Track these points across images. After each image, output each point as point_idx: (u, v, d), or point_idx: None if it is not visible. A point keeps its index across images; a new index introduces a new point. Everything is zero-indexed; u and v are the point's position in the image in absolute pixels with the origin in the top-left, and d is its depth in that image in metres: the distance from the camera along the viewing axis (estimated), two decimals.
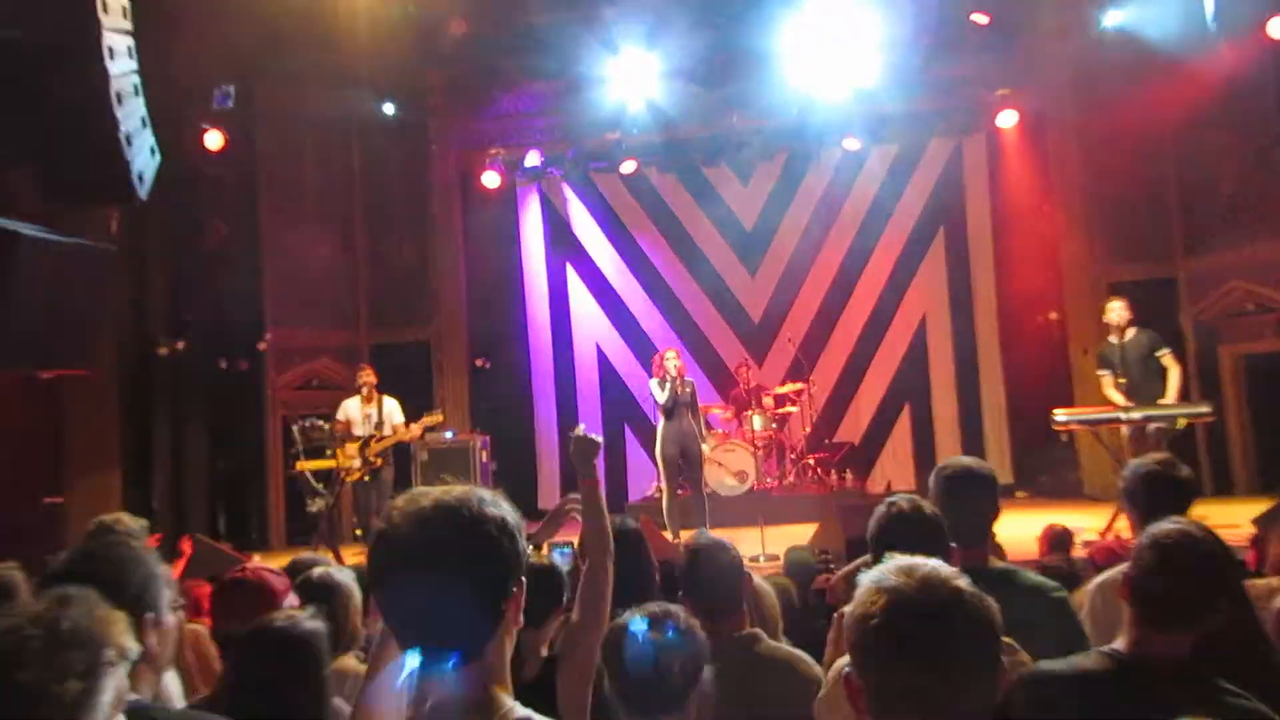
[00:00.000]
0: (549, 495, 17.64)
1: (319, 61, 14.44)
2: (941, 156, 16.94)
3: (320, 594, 4.68)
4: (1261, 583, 4.92)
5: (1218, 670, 3.25)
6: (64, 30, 4.45)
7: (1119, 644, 3.43)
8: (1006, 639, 2.67)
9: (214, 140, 14.70)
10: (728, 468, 15.55)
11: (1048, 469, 15.87)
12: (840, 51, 14.96)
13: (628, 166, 17.50)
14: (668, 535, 12.30)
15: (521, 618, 2.58)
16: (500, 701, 2.51)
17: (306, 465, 13.19)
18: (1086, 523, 11.64)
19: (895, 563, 2.53)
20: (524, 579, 2.53)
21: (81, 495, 12.80)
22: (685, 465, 13.05)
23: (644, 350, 16.86)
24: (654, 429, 13.37)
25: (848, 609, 2.54)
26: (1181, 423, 11.43)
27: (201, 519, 15.14)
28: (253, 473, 16.06)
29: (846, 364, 17.75)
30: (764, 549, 11.82)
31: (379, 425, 13.21)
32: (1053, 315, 16.27)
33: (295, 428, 13.35)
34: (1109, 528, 11.14)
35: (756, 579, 5.19)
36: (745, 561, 4.75)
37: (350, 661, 4.67)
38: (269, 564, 5.22)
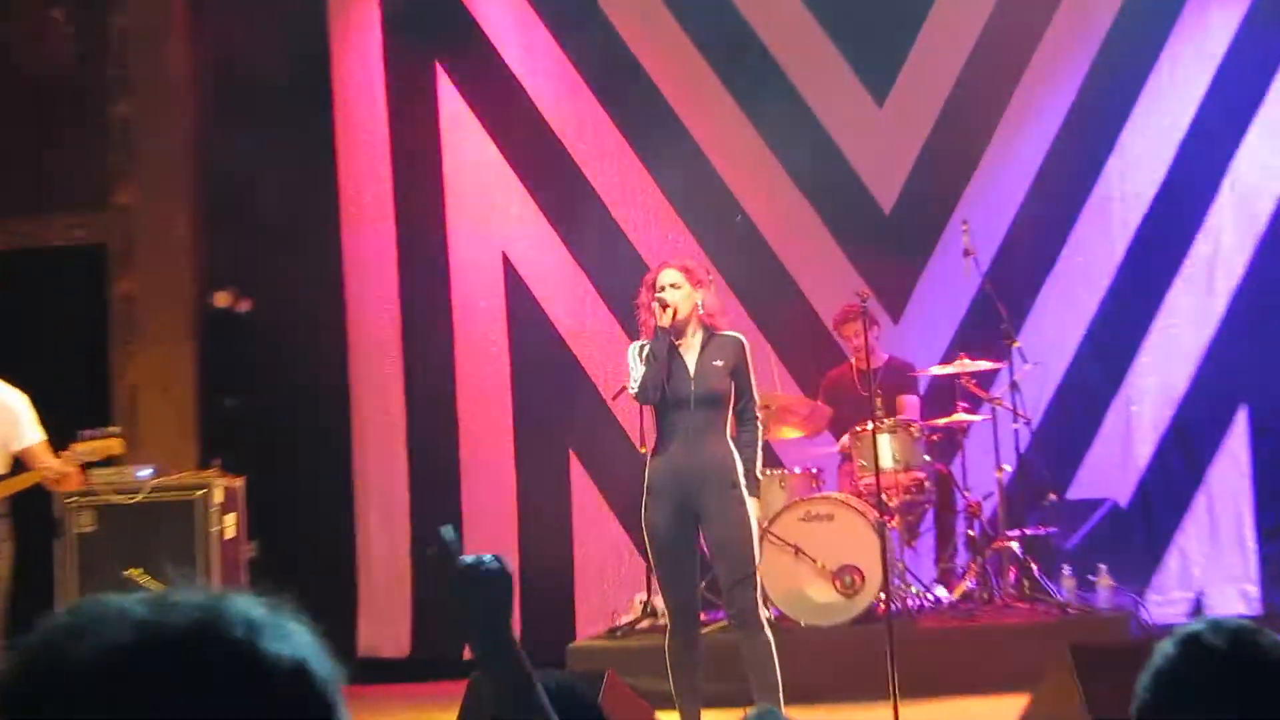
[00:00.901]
0: (388, 614, 8.34)
1: None
2: None
3: None
4: None
5: None
6: None
7: None
8: None
9: None
10: (816, 558, 7.12)
11: None
12: None
13: None
14: None
15: None
16: None
17: None
18: None
19: None
20: None
21: None
22: (711, 555, 5.72)
23: (618, 278, 8.07)
24: (634, 463, 6.31)
25: None
26: None
27: None
28: None
29: (1100, 317, 8.23)
30: None
31: None
32: None
33: None
34: None
35: None
36: None
37: None
38: None
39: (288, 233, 8.19)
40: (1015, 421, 7.48)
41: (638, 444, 6.43)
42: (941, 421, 7.56)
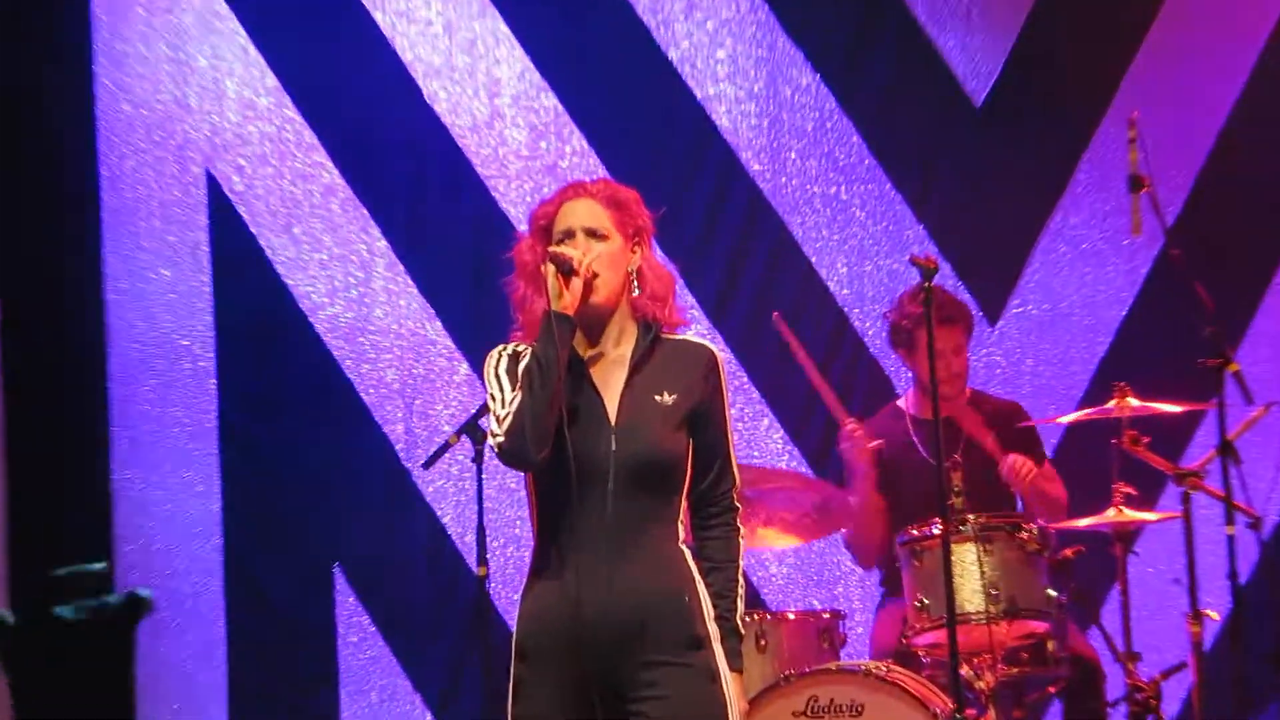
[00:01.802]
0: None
1: None
2: None
3: None
4: None
5: None
6: None
7: None
8: None
9: None
10: None
11: None
12: None
13: None
14: None
15: None
16: None
17: None
18: None
19: None
20: None
21: None
22: None
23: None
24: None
25: None
26: None
27: None
28: None
29: None
30: None
31: None
32: None
33: None
34: None
35: None
36: None
37: None
38: None
39: None
40: (1232, 522, 3.75)
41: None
42: (1085, 522, 3.96)
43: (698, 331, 3.27)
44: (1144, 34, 4.91)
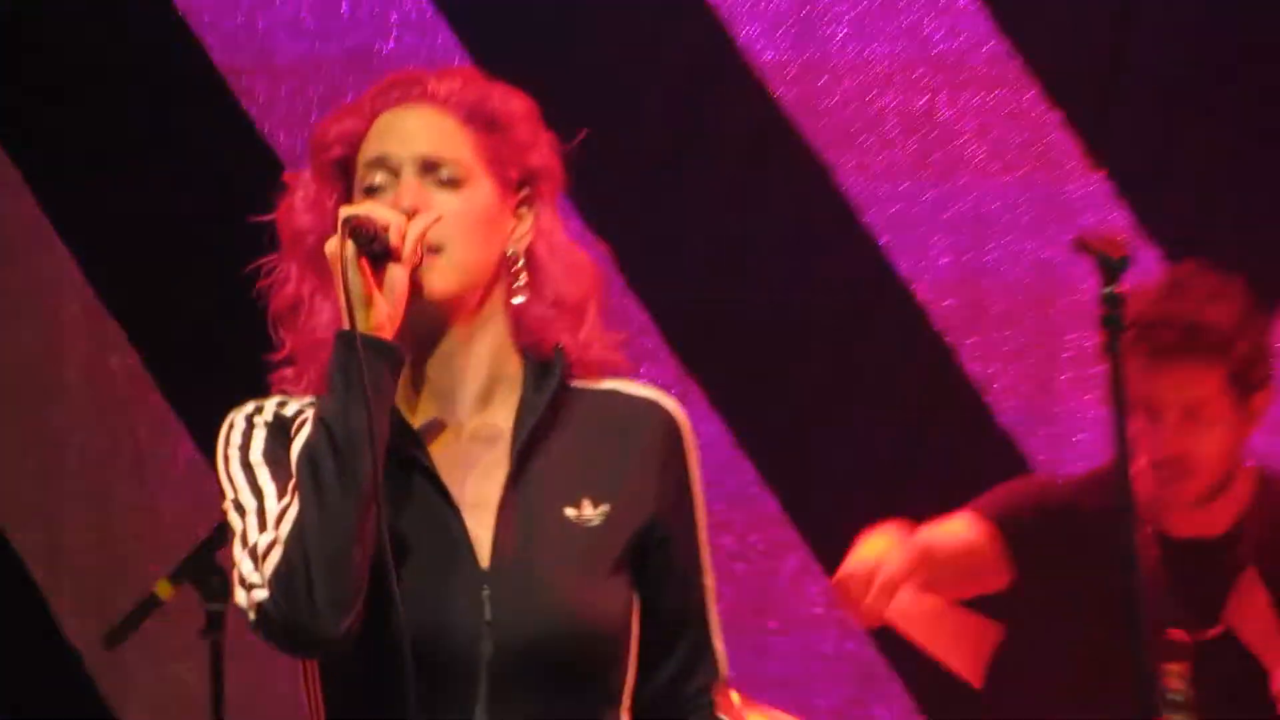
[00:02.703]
0: None
1: None
2: None
3: None
4: None
5: None
6: None
7: None
8: None
9: None
10: None
11: None
12: None
13: None
14: None
15: None
16: None
17: None
18: None
19: None
20: None
21: None
22: None
23: None
24: None
25: None
26: None
27: None
28: None
29: None
30: None
31: None
32: None
33: None
34: None
35: None
36: None
37: None
38: None
39: None
40: None
41: None
42: None
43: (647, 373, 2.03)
44: None
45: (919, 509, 3.20)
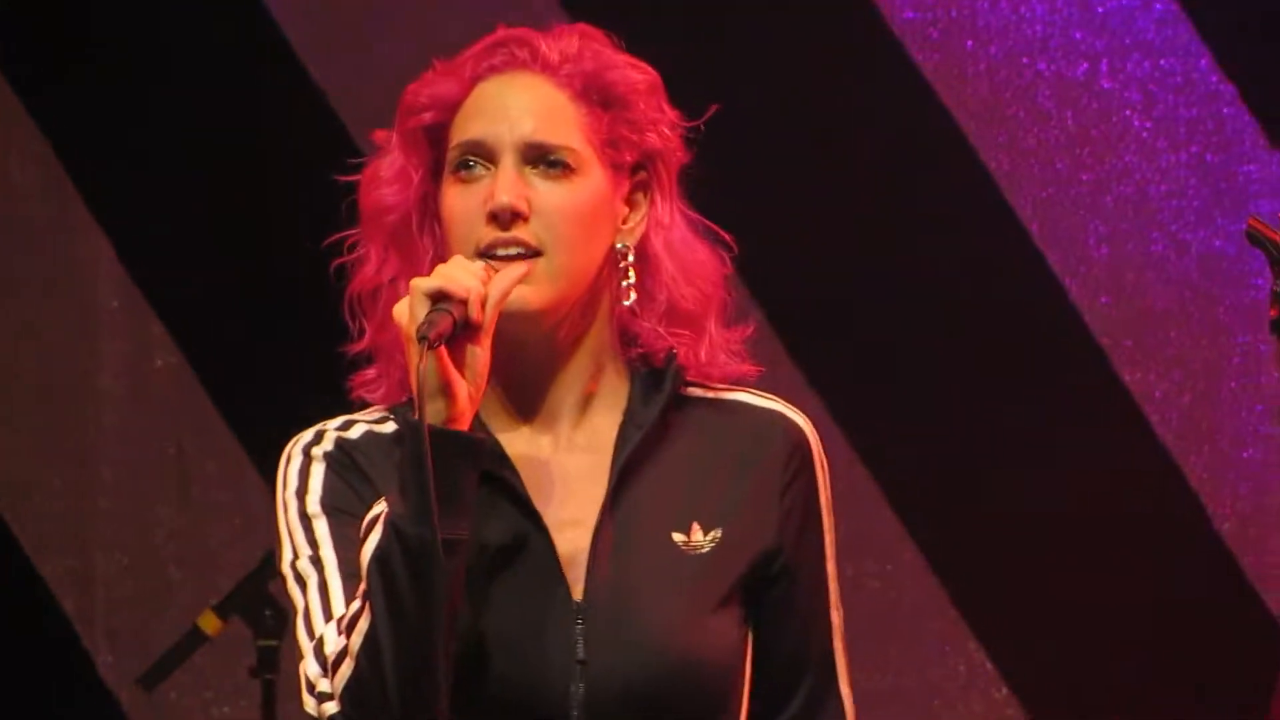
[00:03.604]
0: None
1: None
2: None
3: None
4: None
5: None
6: None
7: None
8: None
9: None
10: None
11: None
12: None
13: None
14: None
15: None
16: None
17: None
18: None
19: None
20: None
21: None
22: None
23: None
24: None
25: None
26: None
27: None
28: None
29: None
30: None
31: None
32: None
33: None
34: None
35: None
36: None
37: None
38: None
39: None
40: None
41: None
42: None
43: (773, 384, 1.63)
44: None
45: (1065, 527, 3.35)
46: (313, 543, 1.35)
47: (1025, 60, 3.46)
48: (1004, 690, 3.46)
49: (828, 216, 3.51)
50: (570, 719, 1.32)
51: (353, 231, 1.40)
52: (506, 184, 1.31)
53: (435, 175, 1.37)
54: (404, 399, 1.35)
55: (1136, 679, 3.51)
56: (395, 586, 1.25)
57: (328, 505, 1.35)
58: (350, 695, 1.28)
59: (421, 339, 1.22)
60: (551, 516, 1.34)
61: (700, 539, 1.36)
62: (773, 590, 1.38)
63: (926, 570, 3.49)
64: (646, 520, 1.36)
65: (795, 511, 1.39)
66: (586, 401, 1.39)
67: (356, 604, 1.28)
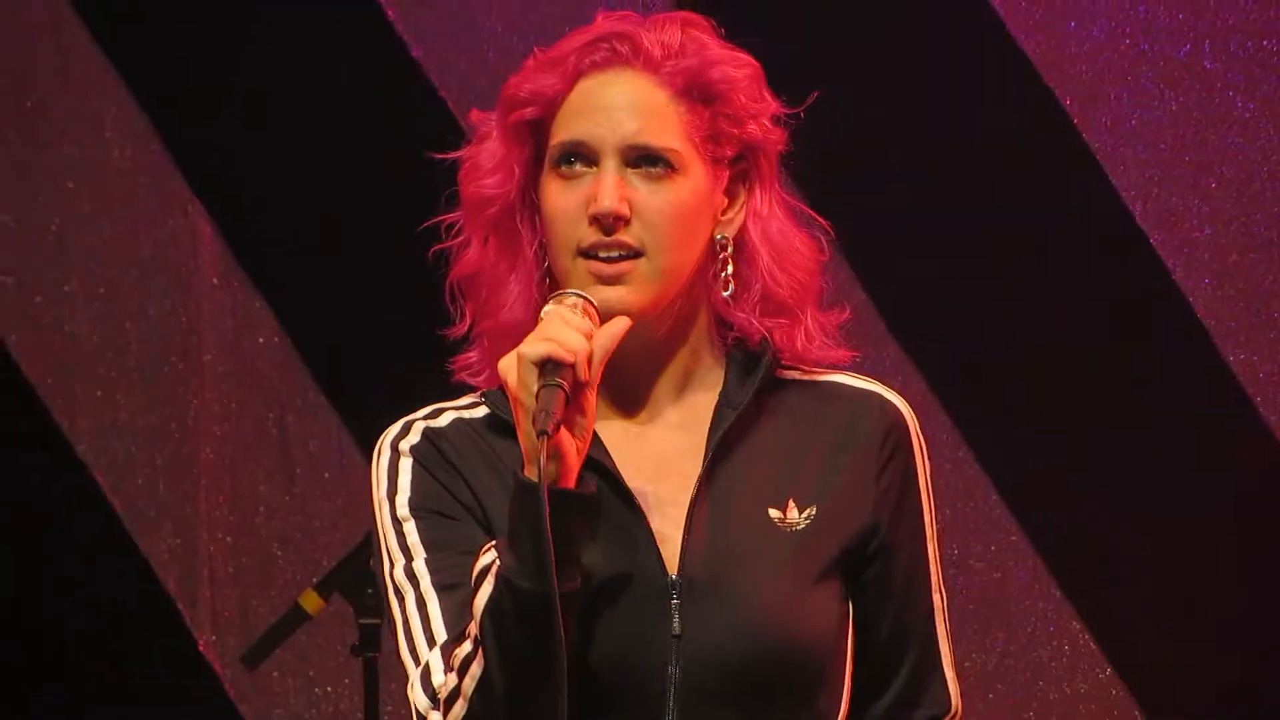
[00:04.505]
0: None
1: None
2: None
3: None
4: None
5: None
6: None
7: None
8: None
9: None
10: None
11: None
12: None
13: None
14: None
15: None
16: None
17: None
18: None
19: None
20: None
21: None
22: None
23: None
24: None
25: None
26: None
27: None
28: None
29: None
30: None
31: None
32: None
33: None
34: None
35: None
36: None
37: None
38: None
39: None
40: None
41: None
42: None
43: (871, 366, 1.78)
44: None
45: (1169, 510, 3.33)
46: (406, 552, 1.34)
47: (1128, 41, 3.42)
48: (1108, 671, 3.43)
49: (929, 197, 3.47)
50: (665, 697, 1.31)
51: (453, 216, 1.40)
52: (609, 188, 1.31)
53: (536, 163, 1.37)
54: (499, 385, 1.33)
55: (1241, 667, 3.48)
56: (509, 639, 1.25)
57: (417, 507, 1.34)
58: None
59: (541, 434, 1.20)
60: (646, 494, 1.34)
61: (796, 516, 1.36)
62: (870, 569, 1.38)
63: (1031, 551, 3.45)
64: (742, 497, 1.35)
65: (892, 491, 1.38)
66: (682, 384, 1.40)
67: (468, 647, 1.27)
